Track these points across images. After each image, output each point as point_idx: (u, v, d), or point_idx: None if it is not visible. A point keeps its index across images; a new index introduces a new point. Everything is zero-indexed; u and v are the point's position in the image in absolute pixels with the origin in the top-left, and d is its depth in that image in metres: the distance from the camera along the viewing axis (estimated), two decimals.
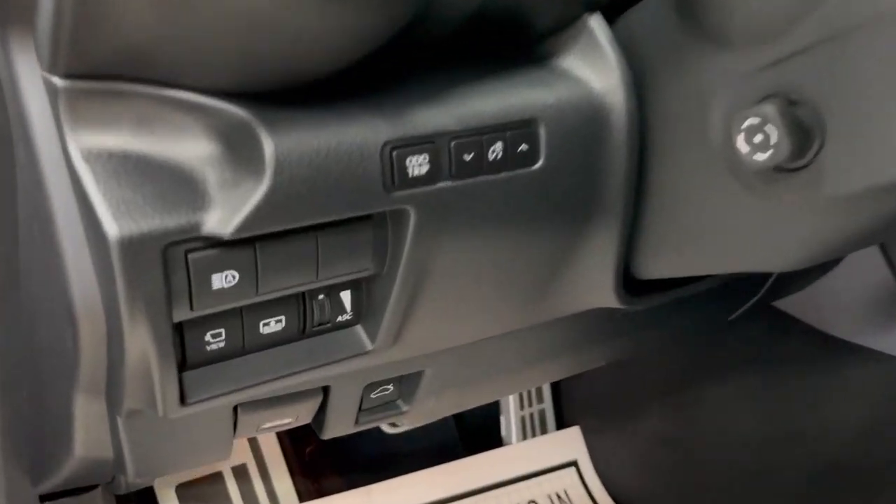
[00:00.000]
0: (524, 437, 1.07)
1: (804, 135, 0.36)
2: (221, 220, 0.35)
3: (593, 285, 0.49)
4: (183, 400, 0.40)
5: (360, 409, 0.56)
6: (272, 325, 0.41)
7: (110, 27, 0.31)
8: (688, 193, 0.44)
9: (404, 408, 0.58)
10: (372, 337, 0.44)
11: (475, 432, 1.09)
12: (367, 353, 0.44)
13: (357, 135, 0.36)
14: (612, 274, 0.48)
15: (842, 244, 0.41)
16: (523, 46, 0.43)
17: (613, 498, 1.04)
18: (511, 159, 0.40)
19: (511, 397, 1.06)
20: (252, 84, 0.34)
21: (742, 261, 0.43)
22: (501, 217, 0.42)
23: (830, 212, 0.38)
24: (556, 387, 1.09)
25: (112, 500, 0.58)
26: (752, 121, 0.37)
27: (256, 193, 0.35)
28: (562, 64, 0.43)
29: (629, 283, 0.51)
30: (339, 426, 0.55)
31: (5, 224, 0.43)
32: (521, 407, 1.07)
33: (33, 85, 0.35)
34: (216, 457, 0.53)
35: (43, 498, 0.53)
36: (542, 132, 0.41)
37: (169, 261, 0.35)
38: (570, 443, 1.07)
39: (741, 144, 0.38)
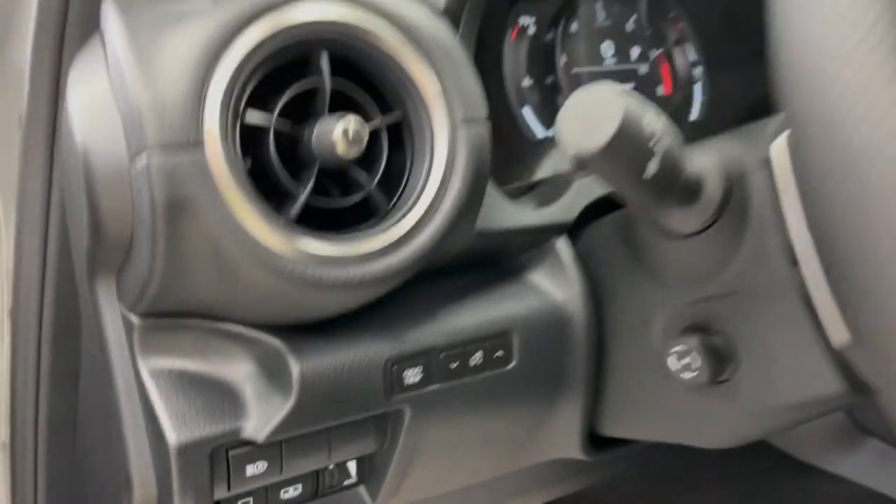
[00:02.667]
0: None
1: (720, 362, 0.45)
2: (256, 427, 0.44)
3: (562, 443, 0.58)
4: None
5: None
6: (290, 492, 0.50)
7: (184, 293, 0.41)
8: (637, 379, 0.53)
9: None
10: (373, 496, 0.53)
11: None
12: None
13: (365, 355, 0.46)
14: (578, 436, 0.57)
15: (760, 435, 0.49)
16: (498, 262, 0.53)
17: None
18: (489, 364, 0.49)
19: None
20: (282, 322, 0.44)
21: (680, 436, 0.52)
22: (482, 405, 0.51)
23: (750, 416, 0.47)
24: None
25: None
26: (680, 347, 0.46)
27: (285, 407, 0.44)
28: (532, 278, 0.53)
29: (594, 439, 0.60)
30: None
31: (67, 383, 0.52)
32: None
33: (113, 319, 0.45)
34: None
35: None
36: (516, 340, 0.50)
37: (214, 456, 0.44)
38: None
39: (672, 363, 0.47)
